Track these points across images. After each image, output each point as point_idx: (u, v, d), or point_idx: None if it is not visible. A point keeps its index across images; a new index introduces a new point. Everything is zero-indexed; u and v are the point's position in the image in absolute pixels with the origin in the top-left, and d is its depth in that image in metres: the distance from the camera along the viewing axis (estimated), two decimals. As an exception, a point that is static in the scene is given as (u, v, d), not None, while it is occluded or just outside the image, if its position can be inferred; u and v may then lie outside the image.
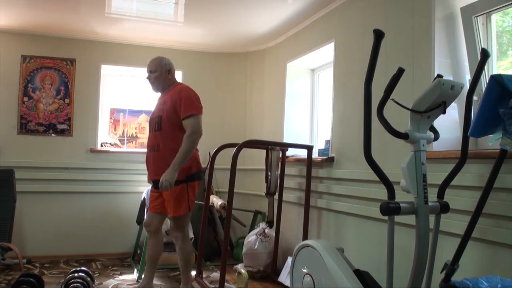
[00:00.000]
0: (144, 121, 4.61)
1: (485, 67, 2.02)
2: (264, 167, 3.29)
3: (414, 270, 1.65)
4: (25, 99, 4.06)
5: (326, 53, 3.45)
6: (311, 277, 2.20)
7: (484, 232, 1.84)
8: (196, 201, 4.14)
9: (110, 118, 4.54)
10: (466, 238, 1.72)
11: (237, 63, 4.68)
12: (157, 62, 2.89)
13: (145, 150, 3.01)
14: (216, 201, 3.93)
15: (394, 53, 2.50)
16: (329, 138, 3.20)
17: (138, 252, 4.02)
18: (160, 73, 2.87)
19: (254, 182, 4.32)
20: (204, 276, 3.51)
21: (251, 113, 4.60)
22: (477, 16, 2.18)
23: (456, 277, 1.67)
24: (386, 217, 1.69)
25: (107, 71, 4.39)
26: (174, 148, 2.69)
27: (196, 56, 4.60)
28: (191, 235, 4.03)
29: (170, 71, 2.90)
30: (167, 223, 4.02)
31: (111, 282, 3.31)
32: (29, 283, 2.69)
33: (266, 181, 3.25)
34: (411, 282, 1.66)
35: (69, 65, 4.19)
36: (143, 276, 3.00)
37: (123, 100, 4.56)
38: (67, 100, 4.16)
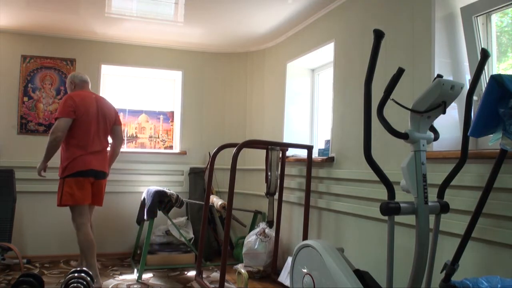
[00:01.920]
0: (144, 121, 4.61)
1: (485, 67, 2.02)
2: (264, 167, 3.29)
3: (414, 270, 1.65)
4: (25, 99, 4.06)
5: (326, 53, 3.45)
6: (311, 277, 2.20)
7: (484, 232, 1.84)
8: (196, 201, 4.18)
9: (110, 118, 4.54)
10: (466, 238, 1.72)
11: (237, 63, 4.68)
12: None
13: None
14: (216, 201, 3.93)
15: (394, 53, 2.50)
16: (329, 138, 3.20)
17: (138, 252, 4.02)
18: (69, 89, 3.28)
19: (254, 182, 4.32)
20: (204, 276, 3.51)
21: (251, 113, 4.60)
22: (477, 16, 2.18)
23: (456, 277, 1.67)
24: (386, 217, 1.69)
25: (107, 71, 4.39)
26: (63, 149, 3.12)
27: (196, 56, 4.60)
28: (191, 235, 4.04)
29: (72, 83, 3.26)
30: (167, 223, 4.03)
31: (111, 282, 3.31)
32: (29, 283, 2.69)
33: (266, 181, 3.25)
34: (411, 282, 1.66)
35: (69, 65, 4.19)
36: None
37: (123, 100, 4.56)
38: (67, 100, 4.16)
